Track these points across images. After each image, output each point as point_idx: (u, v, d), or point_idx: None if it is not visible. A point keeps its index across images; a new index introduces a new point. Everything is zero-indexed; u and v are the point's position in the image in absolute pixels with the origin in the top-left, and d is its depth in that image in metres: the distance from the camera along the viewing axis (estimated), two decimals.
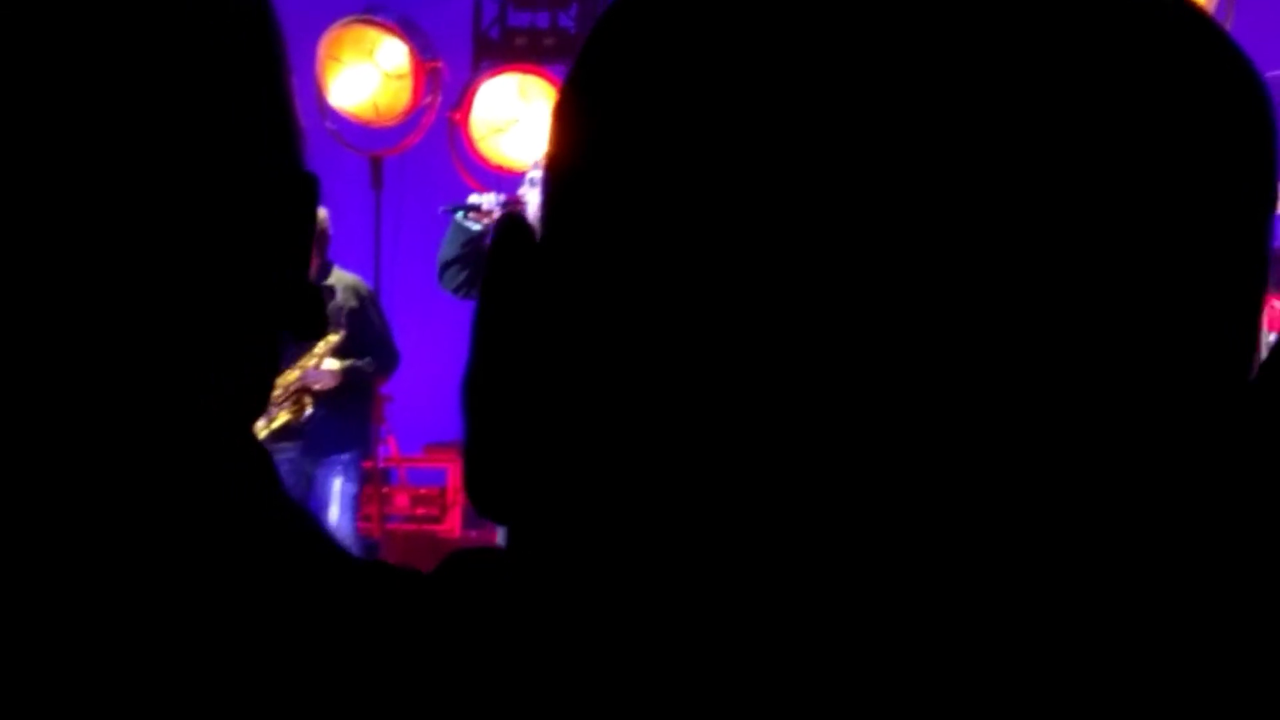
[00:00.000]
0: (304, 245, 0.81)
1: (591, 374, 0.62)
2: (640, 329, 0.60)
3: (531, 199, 7.12)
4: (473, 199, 7.46)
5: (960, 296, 0.57)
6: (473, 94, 9.14)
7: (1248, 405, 0.61)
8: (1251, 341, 0.62)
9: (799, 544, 0.58)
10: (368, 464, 8.23)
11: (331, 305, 7.50)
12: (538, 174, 7.15)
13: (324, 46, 9.15)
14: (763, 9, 0.60)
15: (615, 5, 0.65)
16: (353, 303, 7.55)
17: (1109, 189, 0.58)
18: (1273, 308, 6.12)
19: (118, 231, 0.74)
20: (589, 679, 0.61)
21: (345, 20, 9.22)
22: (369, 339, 7.56)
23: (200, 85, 0.76)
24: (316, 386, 7.46)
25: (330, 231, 7.59)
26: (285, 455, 7.51)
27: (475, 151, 9.14)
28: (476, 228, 7.40)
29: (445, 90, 9.39)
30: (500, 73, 9.22)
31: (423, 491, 9.28)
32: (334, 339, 7.44)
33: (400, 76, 9.28)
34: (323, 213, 7.52)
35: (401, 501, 9.05)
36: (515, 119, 9.08)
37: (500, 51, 9.43)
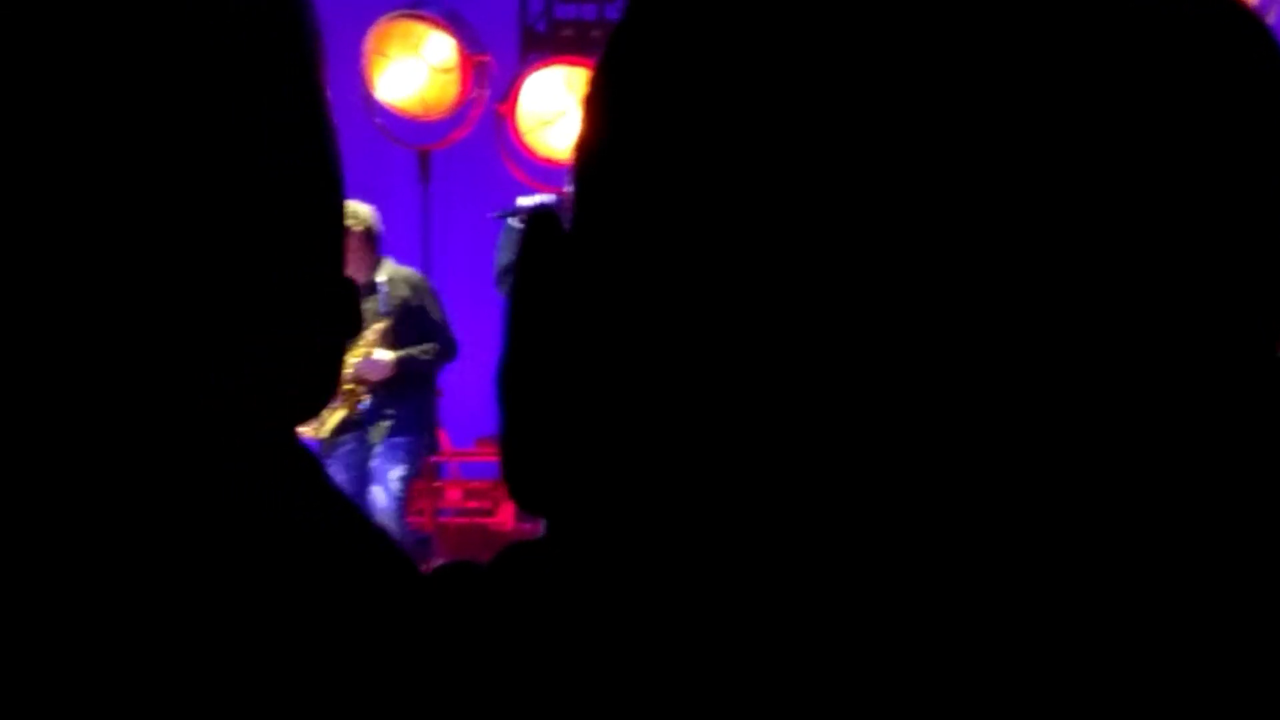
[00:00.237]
0: (329, 239, 0.81)
1: (618, 365, 0.62)
2: (664, 320, 0.60)
3: None
4: (521, 201, 7.49)
5: (1007, 280, 0.57)
6: (520, 87, 9.16)
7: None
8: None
9: (824, 538, 0.58)
10: (432, 458, 8.24)
11: (385, 297, 7.53)
12: None
13: (371, 41, 9.18)
14: (785, 6, 0.60)
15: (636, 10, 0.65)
16: (404, 293, 7.55)
17: (1140, 175, 0.58)
18: None
19: (125, 228, 0.73)
20: (622, 672, 0.61)
21: (392, 15, 9.25)
22: (424, 330, 7.55)
23: (218, 80, 0.75)
24: (372, 377, 7.48)
25: (381, 228, 7.60)
26: (345, 448, 7.55)
27: (523, 144, 9.16)
28: None
29: (492, 83, 9.41)
30: (547, 65, 9.23)
31: (475, 485, 9.32)
32: (380, 327, 7.46)
33: (447, 70, 9.30)
34: (370, 210, 7.55)
35: (454, 495, 9.09)
36: (563, 111, 9.08)
37: (547, 44, 9.45)
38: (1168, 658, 0.57)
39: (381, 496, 7.43)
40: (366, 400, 7.46)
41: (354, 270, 7.53)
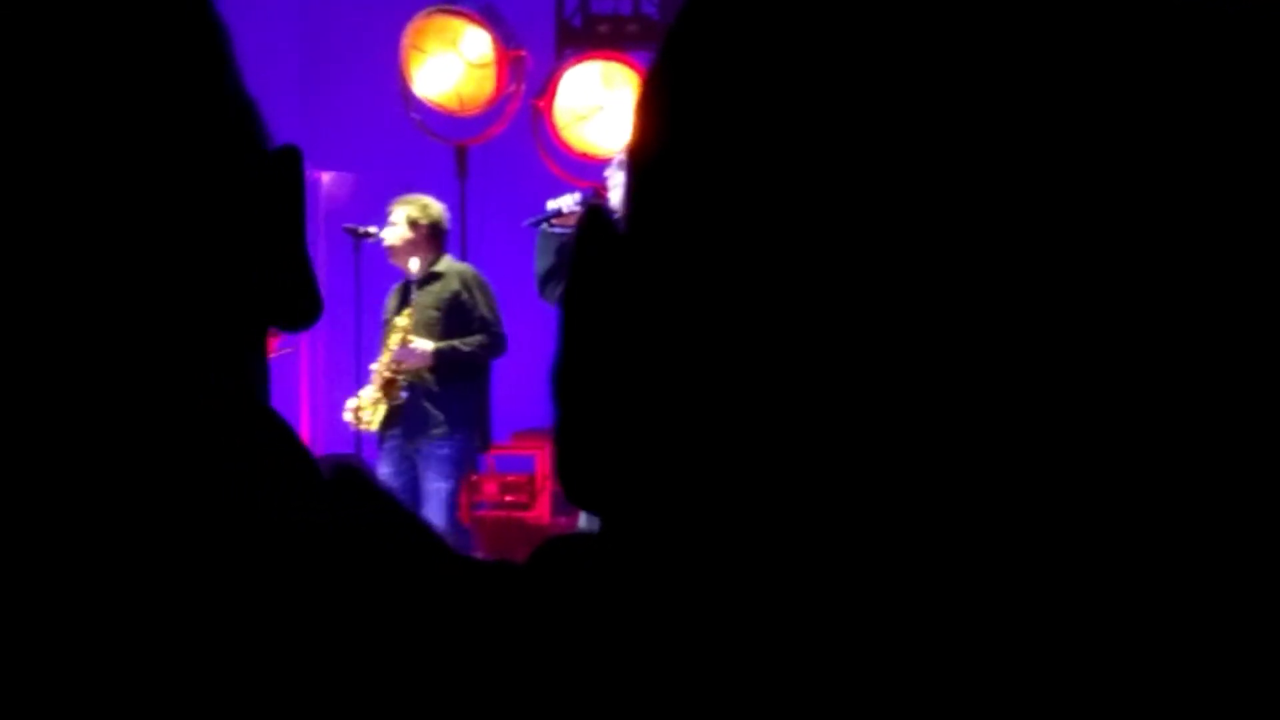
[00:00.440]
0: (287, 228, 0.80)
1: (672, 365, 0.62)
2: (718, 320, 0.60)
3: (618, 180, 7.11)
4: (551, 205, 7.45)
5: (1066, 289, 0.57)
6: (556, 82, 9.15)
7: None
8: None
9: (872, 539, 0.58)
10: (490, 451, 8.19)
11: (438, 289, 7.53)
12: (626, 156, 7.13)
13: (408, 37, 9.19)
14: (845, 5, 0.60)
15: (693, 8, 0.65)
16: (454, 286, 7.54)
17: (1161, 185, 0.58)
18: None
19: (122, 227, 0.73)
20: (674, 667, 0.61)
21: (429, 10, 9.26)
22: (470, 324, 7.53)
23: (207, 75, 0.76)
24: (405, 365, 7.46)
25: (448, 224, 7.61)
26: (392, 441, 7.54)
27: (559, 139, 9.15)
28: (564, 231, 7.39)
29: (529, 78, 9.41)
30: (583, 60, 9.22)
31: (511, 479, 9.31)
32: (405, 322, 7.45)
33: (484, 66, 9.31)
34: (441, 207, 7.56)
35: (490, 489, 9.08)
36: (599, 106, 9.08)
37: (583, 39, 9.44)
38: (1168, 658, 0.57)
39: (429, 508, 7.39)
40: (405, 390, 7.44)
41: (418, 261, 7.55)
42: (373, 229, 7.94)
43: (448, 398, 7.49)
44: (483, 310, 7.57)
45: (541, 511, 9.20)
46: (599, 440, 0.65)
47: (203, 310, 0.75)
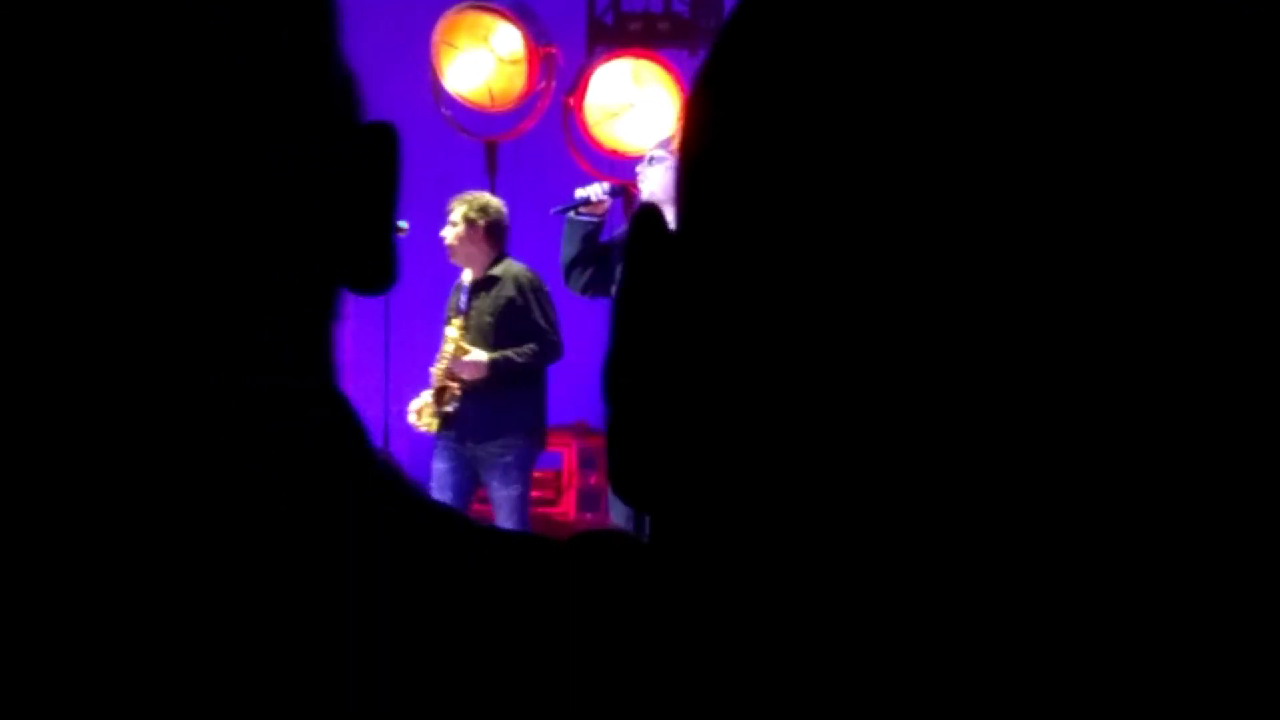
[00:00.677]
0: (374, 199, 0.80)
1: (726, 363, 0.62)
2: (769, 319, 0.60)
3: (650, 176, 7.10)
4: (579, 193, 7.46)
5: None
6: (587, 79, 9.15)
7: None
8: None
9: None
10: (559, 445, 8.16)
11: (494, 295, 7.52)
12: (659, 152, 7.12)
13: (439, 32, 9.20)
14: (894, 8, 0.60)
15: (744, 8, 0.65)
16: (510, 292, 7.52)
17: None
18: None
19: (130, 224, 0.73)
20: (723, 668, 0.61)
21: (460, 6, 9.26)
22: (525, 331, 7.51)
23: (217, 77, 0.74)
24: (464, 376, 7.48)
25: (505, 224, 7.59)
26: (445, 440, 7.55)
27: (589, 136, 9.15)
28: (592, 221, 7.39)
29: (560, 75, 9.41)
30: (614, 57, 9.22)
31: (538, 474, 9.32)
32: (457, 330, 7.45)
33: (515, 62, 9.31)
34: (498, 205, 7.55)
35: None
36: (629, 104, 9.07)
37: (614, 36, 9.43)
38: (1168, 658, 0.57)
39: (500, 517, 7.38)
40: (458, 397, 7.45)
41: (475, 263, 7.56)
42: (403, 224, 7.92)
43: (504, 405, 7.49)
44: (538, 317, 7.55)
45: (567, 508, 9.21)
46: (651, 438, 0.65)
47: (279, 278, 0.75)
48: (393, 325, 8.44)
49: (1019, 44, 0.58)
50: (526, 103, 9.45)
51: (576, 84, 9.20)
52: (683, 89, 8.78)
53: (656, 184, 7.00)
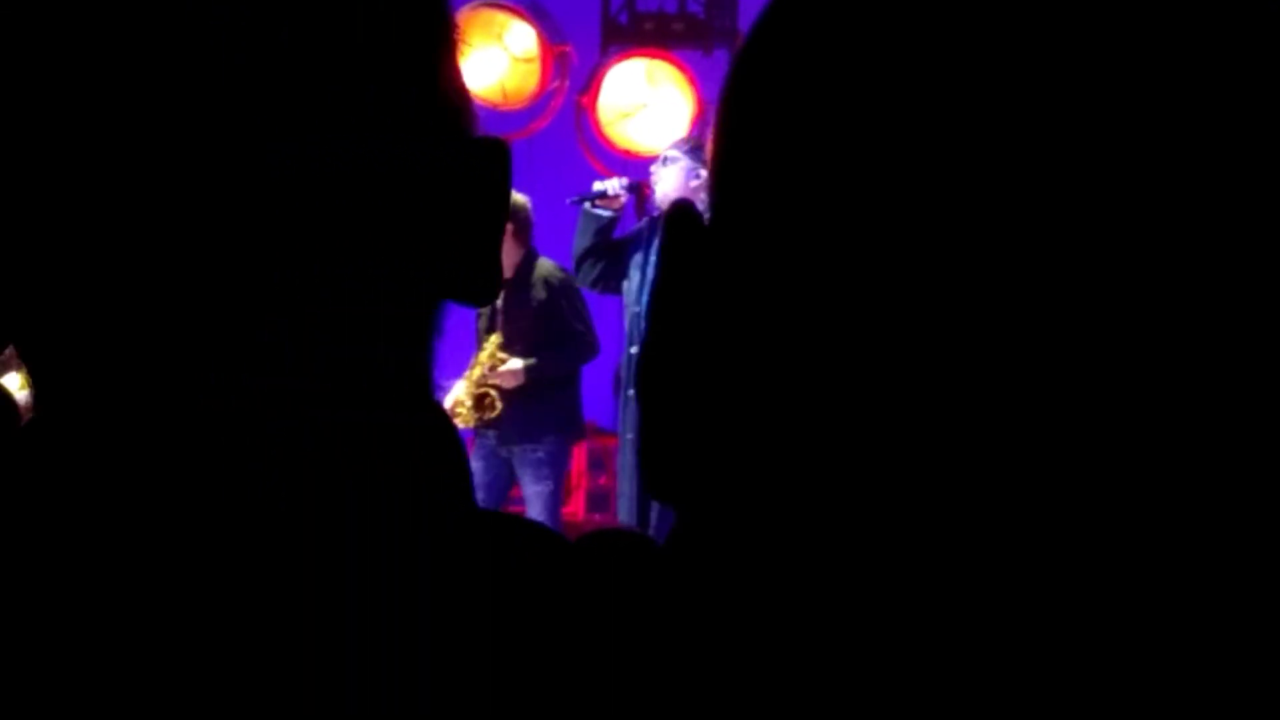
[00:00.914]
0: (482, 212, 0.80)
1: (761, 360, 0.62)
2: (804, 317, 0.61)
3: (665, 176, 7.11)
4: (597, 186, 7.48)
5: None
6: (601, 78, 9.16)
7: None
8: None
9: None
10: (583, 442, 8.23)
11: (528, 300, 7.53)
12: (673, 153, 7.15)
13: None
14: (921, 12, 0.61)
15: (776, 6, 0.66)
16: (541, 295, 7.54)
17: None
18: None
19: (136, 222, 0.73)
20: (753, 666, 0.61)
21: (474, 4, 9.27)
22: (559, 331, 7.54)
23: (236, 73, 0.74)
24: (501, 385, 7.51)
25: (529, 221, 7.59)
26: (484, 439, 7.58)
27: (603, 136, 9.16)
28: (606, 214, 7.40)
29: (573, 74, 9.42)
30: (628, 57, 9.23)
31: None
32: (491, 347, 7.47)
33: (528, 60, 9.32)
34: (524, 199, 7.55)
35: None
36: (643, 104, 9.08)
37: (628, 36, 9.44)
38: (1168, 658, 0.58)
39: (534, 515, 7.42)
40: (499, 405, 7.47)
41: (504, 262, 7.54)
42: None
43: (540, 405, 7.53)
44: (571, 318, 7.58)
45: (576, 508, 9.22)
46: (685, 434, 0.66)
47: (280, 278, 0.76)
48: None
49: (1032, 52, 0.58)
50: (540, 101, 9.45)
51: (590, 83, 9.20)
52: (697, 89, 8.79)
53: (671, 184, 7.02)
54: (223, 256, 0.74)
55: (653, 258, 7.11)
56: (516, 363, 7.52)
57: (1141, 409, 0.57)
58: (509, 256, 7.55)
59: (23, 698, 0.68)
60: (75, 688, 0.69)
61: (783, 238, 0.61)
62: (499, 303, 7.61)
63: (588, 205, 7.46)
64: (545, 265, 7.68)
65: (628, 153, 8.94)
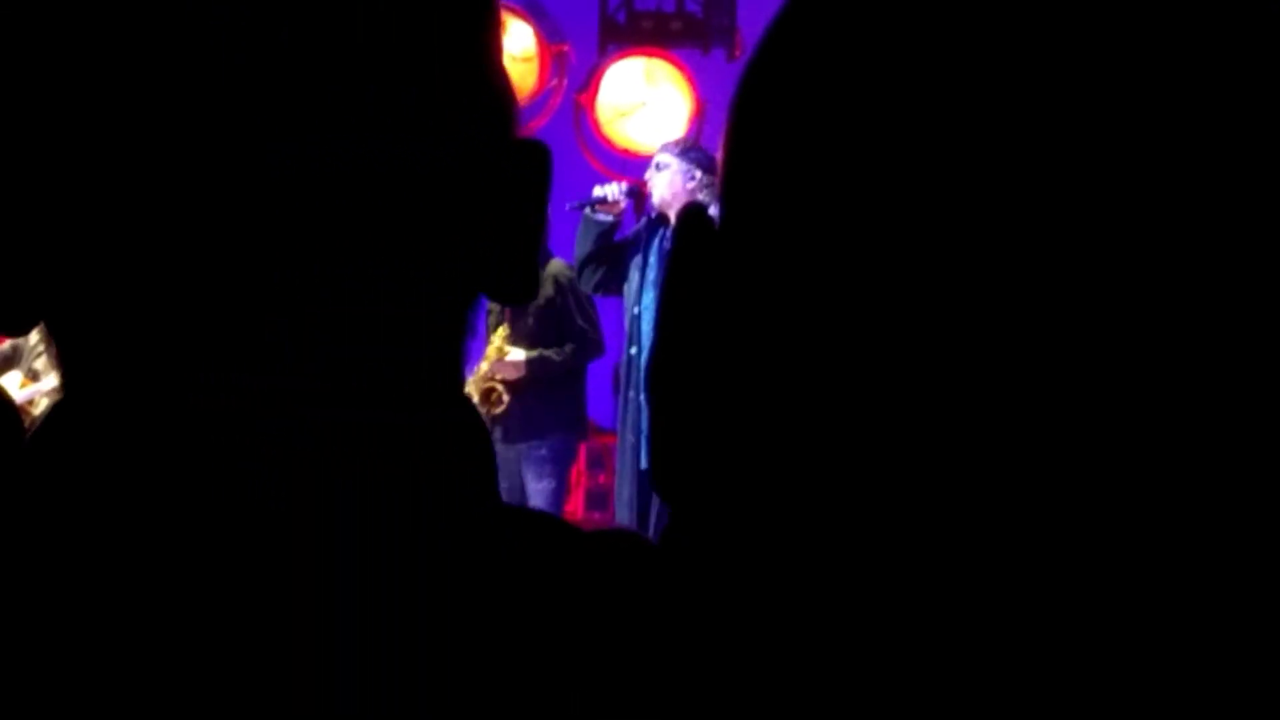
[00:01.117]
0: (524, 212, 0.81)
1: (770, 360, 0.63)
2: (812, 319, 0.61)
3: (659, 182, 7.11)
4: (597, 191, 7.48)
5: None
6: (599, 77, 9.17)
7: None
8: None
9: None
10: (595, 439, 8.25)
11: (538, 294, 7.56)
12: (664, 157, 7.14)
13: None
14: (927, 29, 0.61)
15: (788, 11, 0.66)
16: (549, 292, 7.56)
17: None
18: None
19: (136, 222, 0.73)
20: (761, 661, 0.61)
21: None
22: (566, 329, 7.59)
23: (230, 72, 0.74)
24: (499, 377, 7.52)
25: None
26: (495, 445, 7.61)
27: (601, 134, 9.16)
28: (607, 219, 7.40)
29: (571, 73, 9.42)
30: (627, 56, 9.23)
31: None
32: (499, 341, 7.49)
33: (527, 59, 9.31)
34: None
35: None
36: (642, 102, 9.09)
37: (626, 35, 9.44)
38: (1168, 658, 0.58)
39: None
40: (505, 401, 7.49)
41: None
42: None
43: (543, 403, 7.56)
44: (578, 317, 7.62)
45: (575, 507, 9.22)
46: (694, 435, 0.66)
47: (279, 278, 0.76)
48: None
49: (1038, 62, 0.59)
50: (538, 100, 9.45)
51: (588, 82, 9.21)
52: (695, 88, 8.79)
53: (667, 188, 7.02)
54: (222, 256, 0.74)
55: (651, 259, 7.11)
56: (519, 354, 7.56)
57: (1140, 408, 0.57)
58: None
59: (15, 696, 0.68)
60: (69, 686, 0.69)
61: (792, 242, 0.62)
62: None
63: (588, 211, 7.46)
64: (556, 264, 7.71)
65: (626, 151, 8.94)
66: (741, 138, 0.66)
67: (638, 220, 7.48)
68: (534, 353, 7.54)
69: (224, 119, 0.74)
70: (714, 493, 0.65)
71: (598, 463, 9.31)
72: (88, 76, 0.73)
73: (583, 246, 7.47)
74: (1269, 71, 0.59)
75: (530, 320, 7.59)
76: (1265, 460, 0.58)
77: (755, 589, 0.62)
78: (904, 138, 0.59)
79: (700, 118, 8.75)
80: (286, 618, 0.70)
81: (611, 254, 7.40)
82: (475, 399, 7.53)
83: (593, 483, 9.38)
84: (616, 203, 7.49)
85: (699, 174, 6.95)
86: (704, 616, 0.63)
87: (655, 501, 6.82)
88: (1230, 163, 0.58)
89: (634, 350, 7.14)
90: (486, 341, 7.70)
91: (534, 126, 9.58)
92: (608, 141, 9.18)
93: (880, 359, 0.59)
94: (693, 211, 0.68)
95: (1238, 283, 0.58)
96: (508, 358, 7.56)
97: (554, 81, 9.41)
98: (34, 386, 7.44)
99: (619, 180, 7.83)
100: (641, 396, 6.88)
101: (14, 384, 7.30)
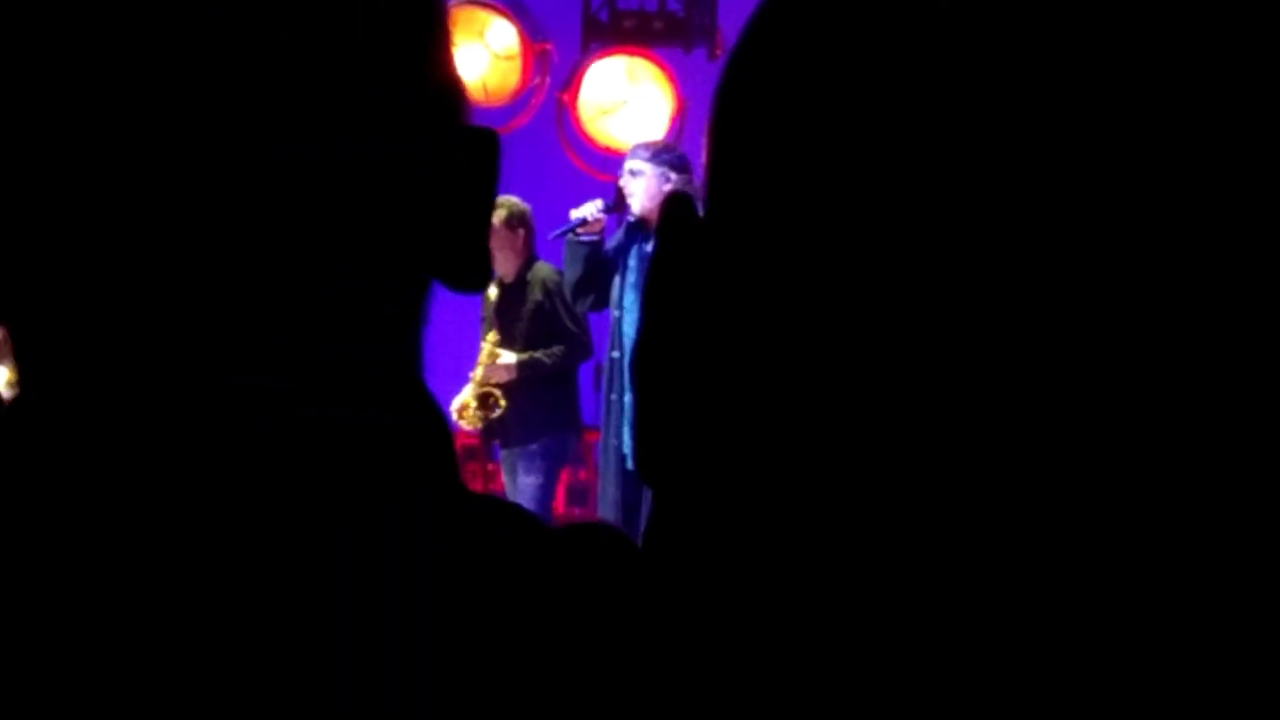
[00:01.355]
0: (473, 200, 0.81)
1: (753, 348, 0.62)
2: (794, 307, 0.61)
3: (635, 189, 7.09)
4: (575, 214, 7.43)
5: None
6: (581, 76, 9.16)
7: None
8: None
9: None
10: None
11: (524, 299, 7.62)
12: (636, 164, 7.12)
13: None
14: (901, 35, 0.61)
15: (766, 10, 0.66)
16: (538, 296, 7.64)
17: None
18: None
19: (135, 223, 0.73)
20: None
21: (456, 1, 9.26)
22: (554, 332, 7.65)
23: (234, 74, 0.74)
24: (493, 380, 7.57)
25: (526, 223, 7.64)
26: (501, 451, 7.70)
27: (583, 132, 9.15)
28: (590, 239, 7.38)
29: (554, 72, 9.41)
30: (609, 54, 9.22)
31: None
32: (489, 346, 7.54)
33: (510, 58, 9.31)
34: (512, 202, 7.59)
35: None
36: (623, 101, 9.08)
37: (609, 34, 9.42)
38: (1168, 657, 0.57)
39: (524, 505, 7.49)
40: (502, 405, 7.54)
41: (510, 266, 7.64)
42: None
43: (536, 404, 7.63)
44: (565, 319, 7.65)
45: (556, 502, 9.21)
46: (678, 420, 0.66)
47: (278, 278, 0.75)
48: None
49: (1016, 52, 0.59)
50: (521, 98, 9.44)
51: (571, 80, 9.20)
52: (676, 87, 8.80)
53: (645, 195, 6.99)
54: (221, 256, 0.74)
55: (631, 263, 7.08)
56: (510, 357, 7.62)
57: (1137, 407, 0.57)
58: (515, 260, 7.65)
59: (15, 696, 0.68)
60: (64, 685, 0.68)
61: (774, 231, 0.61)
62: (498, 305, 7.69)
63: (571, 236, 7.43)
64: (543, 269, 7.75)
65: (608, 149, 8.92)
66: (723, 130, 0.66)
67: (619, 225, 7.47)
68: (524, 355, 7.60)
69: (222, 119, 0.74)
70: (697, 477, 0.64)
71: (578, 458, 9.31)
72: (88, 76, 0.72)
73: (572, 270, 7.42)
74: (1267, 69, 0.58)
75: (521, 324, 7.66)
76: (1265, 460, 0.57)
77: (736, 573, 0.61)
78: (881, 130, 0.59)
79: (681, 116, 8.75)
80: (285, 616, 0.70)
81: (602, 273, 7.37)
82: (473, 405, 7.60)
83: (574, 478, 9.37)
84: (597, 221, 7.46)
85: (674, 175, 6.93)
86: (684, 604, 0.63)
87: (644, 502, 6.82)
88: (1228, 162, 0.57)
89: (615, 354, 7.13)
90: (479, 348, 7.77)
91: (517, 124, 9.58)
92: (589, 139, 9.17)
93: (858, 346, 0.59)
94: (678, 201, 0.67)
95: (1237, 282, 0.57)
96: (500, 361, 7.62)
97: (537, 80, 9.40)
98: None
99: (604, 178, 7.81)
100: (625, 398, 6.87)
101: (2, 379, 7.27)
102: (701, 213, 0.67)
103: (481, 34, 9.33)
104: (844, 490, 0.59)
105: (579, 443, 7.98)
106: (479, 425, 7.71)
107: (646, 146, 7.28)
